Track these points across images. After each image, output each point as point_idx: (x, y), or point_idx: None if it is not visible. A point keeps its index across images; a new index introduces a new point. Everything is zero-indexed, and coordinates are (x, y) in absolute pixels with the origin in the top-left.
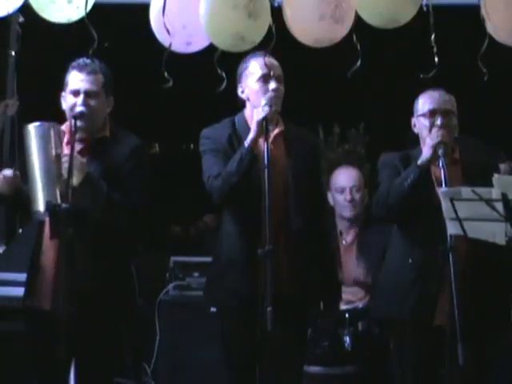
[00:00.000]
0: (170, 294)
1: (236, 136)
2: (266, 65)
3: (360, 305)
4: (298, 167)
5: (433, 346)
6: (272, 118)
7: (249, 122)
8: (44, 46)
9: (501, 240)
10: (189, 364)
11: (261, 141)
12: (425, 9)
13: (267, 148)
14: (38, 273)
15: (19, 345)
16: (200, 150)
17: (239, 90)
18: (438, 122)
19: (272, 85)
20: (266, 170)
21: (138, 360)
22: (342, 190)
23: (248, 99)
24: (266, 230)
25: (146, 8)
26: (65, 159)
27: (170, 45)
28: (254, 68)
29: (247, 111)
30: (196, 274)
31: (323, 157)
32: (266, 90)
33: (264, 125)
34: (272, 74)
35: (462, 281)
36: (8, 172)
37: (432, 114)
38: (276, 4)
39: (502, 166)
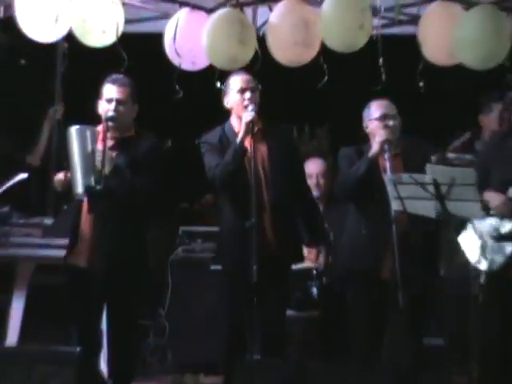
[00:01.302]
0: (179, 256)
1: (225, 137)
2: (241, 80)
3: (323, 263)
4: (274, 154)
5: (380, 295)
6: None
7: (234, 127)
8: (84, 64)
9: (431, 214)
10: (193, 308)
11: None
12: (374, 38)
13: (253, 143)
14: (77, 239)
15: (60, 295)
16: (201, 151)
17: (225, 102)
18: (386, 125)
19: (247, 94)
20: (253, 160)
21: (154, 306)
22: (311, 176)
23: (232, 108)
24: (253, 206)
25: (160, 36)
26: (98, 153)
27: (180, 64)
28: (233, 83)
29: (232, 118)
30: (199, 241)
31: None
32: (243, 100)
33: (250, 126)
34: (246, 86)
35: (401, 244)
36: (60, 176)
37: (381, 118)
38: (261, 34)
39: (433, 158)
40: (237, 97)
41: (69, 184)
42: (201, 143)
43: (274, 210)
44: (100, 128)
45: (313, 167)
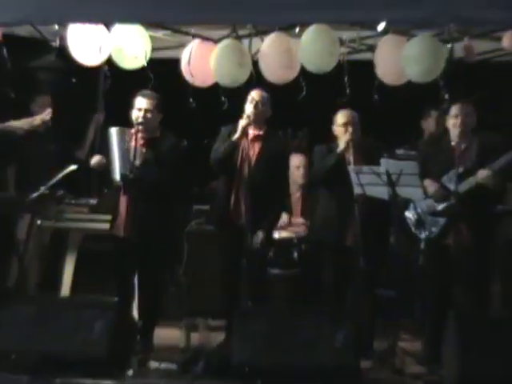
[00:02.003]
0: (192, 228)
1: (233, 132)
2: (253, 93)
3: (302, 233)
4: (262, 153)
5: (345, 259)
6: (251, 124)
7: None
8: (120, 82)
9: (384, 196)
10: (202, 267)
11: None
12: (341, 62)
13: (248, 143)
14: (117, 215)
15: (101, 258)
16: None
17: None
18: (349, 129)
19: (247, 106)
20: (242, 154)
21: (174, 265)
22: (298, 167)
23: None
24: (242, 187)
25: (178, 61)
26: (131, 150)
27: (193, 82)
28: (249, 96)
29: None
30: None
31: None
32: (249, 109)
33: (245, 129)
34: (251, 99)
35: (361, 218)
36: (97, 157)
37: (345, 124)
38: (255, 59)
39: (385, 155)
40: (247, 105)
41: (104, 164)
42: (222, 129)
43: (258, 192)
44: (132, 130)
45: (297, 160)
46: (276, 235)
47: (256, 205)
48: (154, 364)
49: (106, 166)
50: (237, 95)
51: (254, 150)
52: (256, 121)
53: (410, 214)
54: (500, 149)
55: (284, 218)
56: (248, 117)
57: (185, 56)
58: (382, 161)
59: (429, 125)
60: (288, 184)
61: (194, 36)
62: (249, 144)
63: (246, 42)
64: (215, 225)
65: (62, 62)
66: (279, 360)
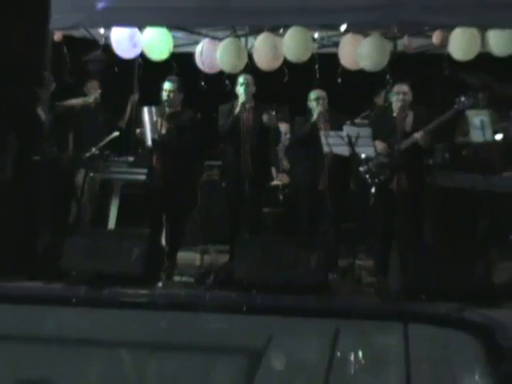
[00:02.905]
0: (205, 178)
1: (233, 108)
2: (241, 77)
3: (286, 182)
4: (256, 121)
5: (317, 200)
6: (248, 101)
7: (237, 103)
8: (150, 70)
9: (346, 153)
10: (213, 205)
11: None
12: (314, 54)
13: (248, 117)
14: (151, 169)
15: (137, 200)
16: (219, 114)
17: (236, 90)
18: (320, 103)
19: (241, 88)
20: (241, 124)
21: (192, 204)
22: (285, 133)
23: (237, 93)
24: (249, 149)
25: (192, 54)
26: (158, 121)
27: (204, 70)
28: (238, 80)
29: (237, 99)
30: (215, 169)
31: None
32: (240, 90)
33: (243, 105)
34: (242, 82)
35: (329, 169)
36: (138, 130)
37: (316, 99)
38: (250, 52)
39: (347, 122)
40: (238, 88)
41: (142, 135)
42: (220, 108)
43: (254, 153)
44: (161, 107)
45: (283, 128)
46: (269, 183)
47: (257, 162)
48: (177, 278)
49: (141, 134)
50: (236, 79)
51: (251, 119)
52: (249, 97)
53: (364, 167)
54: (429, 118)
55: (273, 171)
56: (242, 95)
57: (198, 50)
58: (344, 127)
59: (379, 100)
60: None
61: (204, 35)
62: (247, 115)
63: (243, 39)
64: (226, 177)
65: (107, 55)
66: (269, 275)
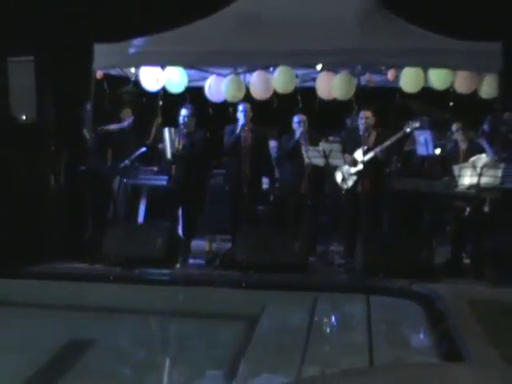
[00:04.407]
0: (212, 183)
1: (235, 129)
2: (241, 106)
3: (276, 186)
4: (255, 140)
5: (300, 200)
6: (246, 123)
7: (238, 126)
8: (170, 100)
9: (322, 164)
10: (218, 203)
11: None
12: (297, 87)
13: (245, 134)
14: (171, 176)
15: (160, 201)
16: (224, 133)
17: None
18: (302, 125)
19: (241, 114)
20: (242, 141)
21: (202, 202)
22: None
23: (239, 118)
24: (245, 161)
25: (202, 88)
26: (176, 140)
27: (211, 99)
28: (238, 107)
29: (238, 122)
30: (221, 176)
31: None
32: (240, 115)
33: (243, 127)
34: (242, 108)
35: (309, 176)
36: (160, 144)
37: (298, 123)
38: (247, 86)
39: (322, 139)
40: (239, 113)
41: (163, 150)
42: (226, 129)
43: (251, 163)
44: (178, 128)
45: (272, 144)
46: (262, 187)
47: (253, 170)
48: (191, 260)
49: (163, 149)
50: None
51: (249, 138)
52: (247, 121)
53: (337, 174)
54: (386, 137)
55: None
56: (241, 119)
57: (206, 85)
58: (321, 143)
59: (348, 122)
60: (270, 158)
61: (212, 73)
62: (246, 134)
63: (242, 76)
64: (229, 182)
65: (137, 88)
66: (263, 258)
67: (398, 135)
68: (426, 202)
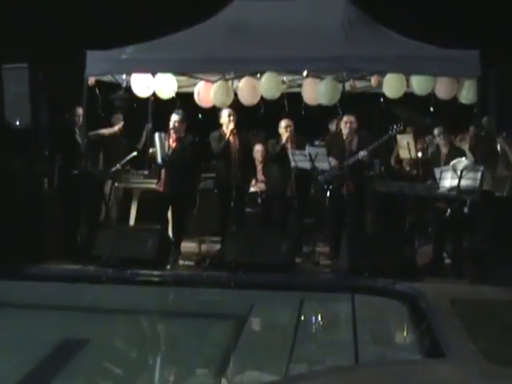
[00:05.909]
0: (201, 186)
1: (221, 135)
2: (226, 111)
3: (263, 188)
4: (241, 145)
5: (286, 202)
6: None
7: (224, 131)
8: (160, 106)
9: (308, 167)
10: (208, 205)
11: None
12: (284, 94)
13: (233, 139)
14: (160, 179)
15: (151, 203)
16: (211, 139)
17: (221, 120)
18: (288, 130)
19: (228, 119)
20: (229, 145)
21: (191, 205)
22: (258, 152)
23: (223, 123)
24: (236, 164)
25: (192, 93)
26: (166, 144)
27: (200, 105)
28: (223, 113)
29: (223, 127)
30: (210, 180)
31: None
32: (228, 120)
33: (232, 131)
34: (228, 114)
35: (295, 179)
36: (151, 149)
37: (285, 127)
38: (236, 91)
39: (308, 144)
40: (225, 119)
41: (153, 155)
42: (211, 135)
43: (239, 166)
44: (170, 132)
45: (258, 148)
46: (250, 189)
47: (240, 173)
48: (181, 262)
49: (153, 153)
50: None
51: (235, 142)
52: (234, 126)
53: (322, 178)
54: (370, 141)
55: (253, 180)
56: (230, 124)
57: (196, 90)
58: (306, 147)
59: (332, 127)
60: (254, 161)
61: (201, 79)
62: (233, 139)
63: (230, 82)
64: (218, 185)
65: (128, 95)
66: (251, 259)
67: (382, 140)
68: (409, 204)
